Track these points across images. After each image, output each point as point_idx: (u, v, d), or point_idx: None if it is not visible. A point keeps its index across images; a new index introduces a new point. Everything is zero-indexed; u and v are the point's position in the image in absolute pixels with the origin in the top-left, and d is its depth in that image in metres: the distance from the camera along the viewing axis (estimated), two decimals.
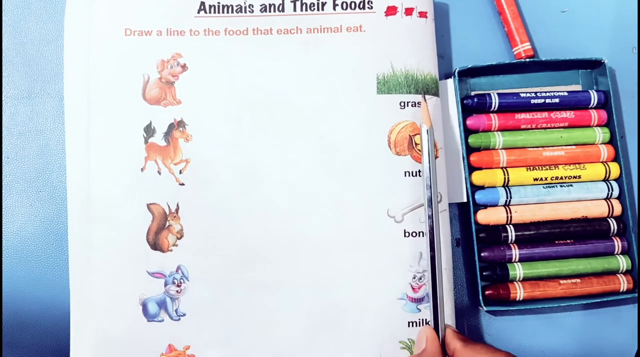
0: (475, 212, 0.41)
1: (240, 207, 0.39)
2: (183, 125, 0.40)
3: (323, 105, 0.40)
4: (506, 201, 0.41)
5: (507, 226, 0.41)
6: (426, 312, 0.39)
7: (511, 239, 0.41)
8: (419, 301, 0.39)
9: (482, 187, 0.42)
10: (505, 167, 0.42)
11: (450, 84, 0.42)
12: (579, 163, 0.42)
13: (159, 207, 0.39)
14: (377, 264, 0.39)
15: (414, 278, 0.39)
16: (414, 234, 0.39)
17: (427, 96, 0.40)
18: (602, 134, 0.42)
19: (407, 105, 0.40)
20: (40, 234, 0.41)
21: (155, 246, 0.39)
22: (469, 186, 0.41)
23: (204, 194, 0.39)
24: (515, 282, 0.41)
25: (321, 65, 0.41)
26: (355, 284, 0.39)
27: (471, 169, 0.42)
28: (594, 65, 0.43)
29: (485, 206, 0.42)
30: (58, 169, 0.42)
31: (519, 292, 0.40)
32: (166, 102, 0.40)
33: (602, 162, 0.42)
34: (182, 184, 0.39)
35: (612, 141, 0.43)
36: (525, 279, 0.41)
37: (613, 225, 0.42)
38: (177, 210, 0.39)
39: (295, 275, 0.39)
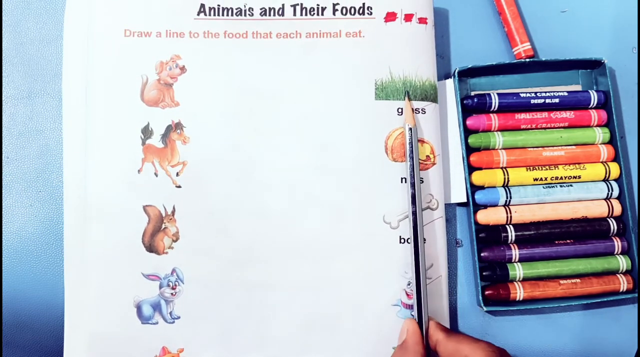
0: (475, 212, 0.41)
1: (237, 210, 0.39)
2: (181, 127, 0.40)
3: (321, 110, 0.40)
4: (506, 201, 0.41)
5: (507, 226, 0.41)
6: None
7: (511, 239, 0.41)
8: (413, 307, 0.38)
9: (482, 187, 0.42)
10: (505, 167, 0.42)
11: (450, 84, 0.42)
12: (579, 163, 0.42)
13: (155, 209, 0.39)
14: (372, 270, 0.39)
15: (409, 285, 0.39)
16: (409, 241, 0.39)
17: (425, 103, 0.40)
18: (602, 134, 0.42)
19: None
20: (40, 234, 0.41)
21: (150, 248, 0.39)
22: (469, 186, 0.41)
23: (200, 197, 0.39)
24: (515, 282, 0.41)
25: (320, 70, 0.41)
26: (350, 288, 0.39)
27: (471, 169, 0.42)
28: (594, 65, 0.43)
29: (485, 206, 0.42)
30: (58, 169, 0.42)
31: (519, 292, 0.40)
32: (164, 104, 0.40)
33: (602, 162, 0.42)
34: (179, 187, 0.39)
35: (612, 141, 0.43)
36: (525, 279, 0.41)
37: (613, 225, 0.42)
38: (173, 212, 0.39)
39: (290, 279, 0.39)
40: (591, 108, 0.43)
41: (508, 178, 0.41)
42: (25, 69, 0.43)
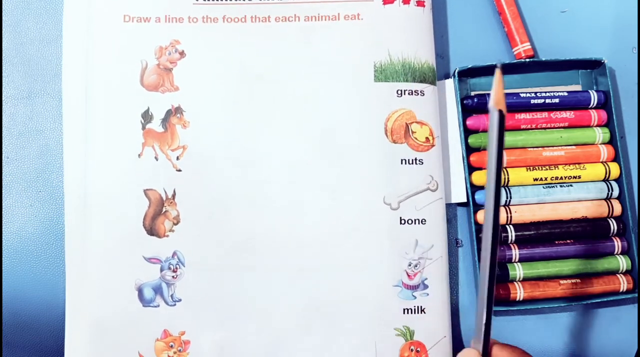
0: (475, 212, 0.41)
1: (237, 194, 0.39)
2: (180, 111, 0.40)
3: (320, 93, 0.40)
4: (506, 201, 0.41)
5: (507, 226, 0.41)
6: (421, 300, 0.39)
7: (511, 239, 0.41)
8: (414, 288, 0.39)
9: (482, 187, 0.42)
10: (505, 167, 0.42)
11: (450, 84, 0.42)
12: (578, 163, 0.42)
13: (155, 193, 0.39)
14: (373, 251, 0.39)
15: (410, 265, 0.39)
16: (409, 222, 0.39)
17: (424, 85, 0.40)
18: (602, 134, 0.42)
19: (404, 94, 0.40)
20: (40, 234, 0.41)
21: (151, 231, 0.39)
22: (469, 186, 0.41)
23: (200, 180, 0.39)
24: (515, 282, 0.41)
25: (319, 53, 0.41)
26: (351, 270, 0.39)
27: (471, 169, 0.42)
28: (594, 65, 0.43)
29: None
30: (58, 169, 0.42)
31: (519, 292, 0.40)
32: (164, 89, 0.40)
33: (602, 162, 0.42)
34: (179, 170, 0.40)
35: (612, 141, 0.43)
36: (525, 279, 0.41)
37: (613, 225, 0.42)
38: (173, 196, 0.39)
39: (291, 261, 0.39)
40: (591, 108, 0.43)
41: (508, 178, 0.41)
42: (25, 69, 0.43)
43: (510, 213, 0.41)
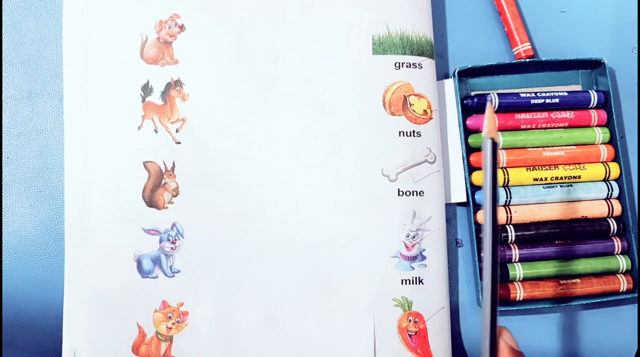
0: (475, 212, 0.41)
1: (236, 166, 0.40)
2: (180, 84, 0.40)
3: (319, 66, 0.41)
4: (506, 201, 0.41)
5: (507, 226, 0.41)
6: (419, 271, 0.39)
7: (511, 239, 0.41)
8: (412, 259, 0.39)
9: (482, 187, 0.42)
10: (505, 167, 0.42)
11: (450, 84, 0.42)
12: (578, 163, 0.42)
13: (155, 165, 0.40)
14: (371, 223, 0.40)
15: (408, 236, 0.39)
16: (407, 193, 0.40)
17: (422, 58, 0.41)
18: (602, 134, 0.42)
19: (402, 66, 0.41)
20: (40, 234, 0.41)
21: (150, 203, 0.39)
22: (469, 186, 0.41)
23: (200, 153, 0.40)
24: (515, 282, 0.41)
25: (317, 27, 0.41)
26: (349, 241, 0.39)
27: (471, 169, 0.42)
28: (594, 65, 0.43)
29: None
30: (58, 169, 0.42)
31: (519, 292, 0.40)
32: (164, 62, 0.40)
33: (602, 162, 0.42)
34: (179, 143, 0.40)
35: (612, 141, 0.43)
36: (525, 279, 0.41)
37: (613, 225, 0.42)
38: (173, 168, 0.40)
39: (290, 233, 0.39)
40: (591, 108, 0.43)
41: (508, 178, 0.41)
42: (25, 69, 0.43)
43: (510, 213, 0.41)
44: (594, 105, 0.42)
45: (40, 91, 0.43)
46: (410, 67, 0.40)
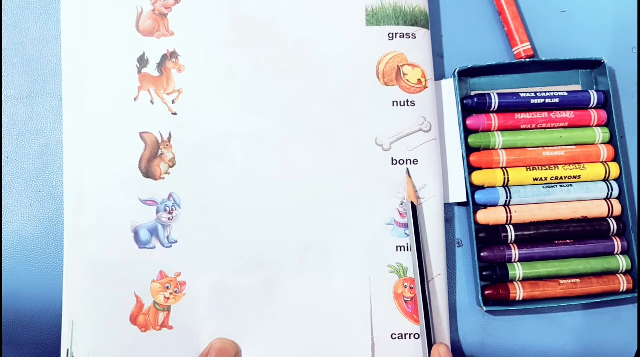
0: (475, 212, 0.41)
1: (232, 136, 0.40)
2: (176, 56, 0.41)
3: (313, 37, 0.41)
4: (506, 201, 0.41)
5: (507, 226, 0.41)
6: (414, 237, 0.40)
7: (511, 239, 0.41)
8: (407, 226, 0.40)
9: (482, 187, 0.42)
10: (505, 167, 0.42)
11: (450, 84, 0.42)
12: (578, 163, 0.42)
13: (151, 136, 0.40)
14: (365, 191, 0.40)
15: (402, 204, 0.40)
16: (401, 162, 0.40)
17: (415, 28, 0.41)
18: (602, 134, 0.42)
19: (396, 37, 0.41)
20: (40, 234, 0.41)
21: (147, 174, 0.40)
22: (469, 185, 0.41)
23: (196, 123, 0.40)
24: (515, 282, 0.40)
25: None
26: (344, 210, 0.40)
27: (471, 169, 0.42)
28: (594, 65, 0.43)
29: (485, 206, 0.42)
30: (58, 169, 0.42)
31: (519, 292, 0.40)
32: (159, 34, 0.41)
33: (602, 162, 0.42)
34: (175, 114, 0.40)
35: (612, 141, 0.43)
36: (525, 279, 0.41)
37: (613, 225, 0.42)
38: (169, 138, 0.40)
39: (286, 201, 0.40)
40: (591, 108, 0.43)
41: (508, 178, 0.41)
42: (25, 69, 0.43)
43: (510, 213, 0.41)
44: (594, 105, 0.42)
45: (40, 91, 0.43)
46: (403, 37, 0.41)
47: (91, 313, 0.38)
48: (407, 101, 0.41)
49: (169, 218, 0.39)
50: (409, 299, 0.39)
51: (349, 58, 0.41)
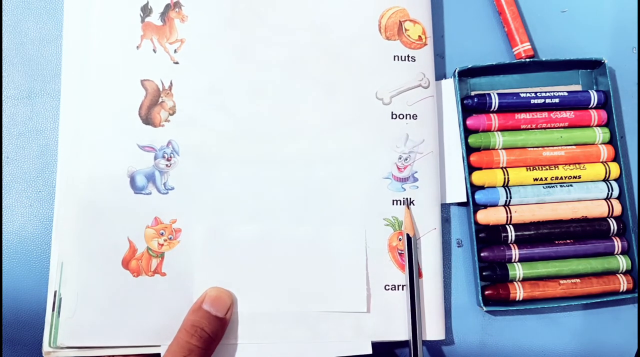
0: (475, 212, 0.41)
1: (234, 86, 0.40)
2: (179, 6, 0.41)
3: None
4: (506, 201, 0.41)
5: (507, 226, 0.41)
6: (411, 192, 0.40)
7: (511, 239, 0.41)
8: (404, 180, 0.40)
9: (482, 187, 0.42)
10: (505, 167, 0.42)
11: (450, 84, 0.42)
12: (578, 163, 0.42)
13: (152, 84, 0.40)
14: (364, 144, 0.41)
15: (400, 158, 0.40)
16: (401, 116, 0.41)
17: None
18: (602, 134, 0.42)
19: None
20: (40, 234, 0.41)
21: (147, 120, 0.39)
22: (469, 185, 0.41)
23: (197, 73, 0.40)
24: (515, 282, 0.41)
25: None
26: (343, 161, 0.40)
27: (471, 169, 0.42)
28: (594, 65, 0.43)
29: (485, 206, 0.42)
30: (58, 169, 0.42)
31: (519, 292, 0.40)
32: None
33: (602, 162, 0.42)
34: (177, 63, 0.40)
35: (612, 141, 0.43)
36: (525, 279, 0.41)
37: (613, 225, 0.42)
38: (170, 87, 0.40)
39: (285, 151, 0.40)
40: (591, 108, 0.43)
41: (508, 178, 0.41)
42: (25, 69, 0.43)
43: (510, 213, 0.41)
44: (594, 105, 0.42)
45: (40, 91, 0.43)
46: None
47: (81, 255, 0.38)
48: (408, 56, 0.41)
49: (167, 165, 0.39)
50: (403, 252, 0.40)
51: (351, 11, 0.42)
